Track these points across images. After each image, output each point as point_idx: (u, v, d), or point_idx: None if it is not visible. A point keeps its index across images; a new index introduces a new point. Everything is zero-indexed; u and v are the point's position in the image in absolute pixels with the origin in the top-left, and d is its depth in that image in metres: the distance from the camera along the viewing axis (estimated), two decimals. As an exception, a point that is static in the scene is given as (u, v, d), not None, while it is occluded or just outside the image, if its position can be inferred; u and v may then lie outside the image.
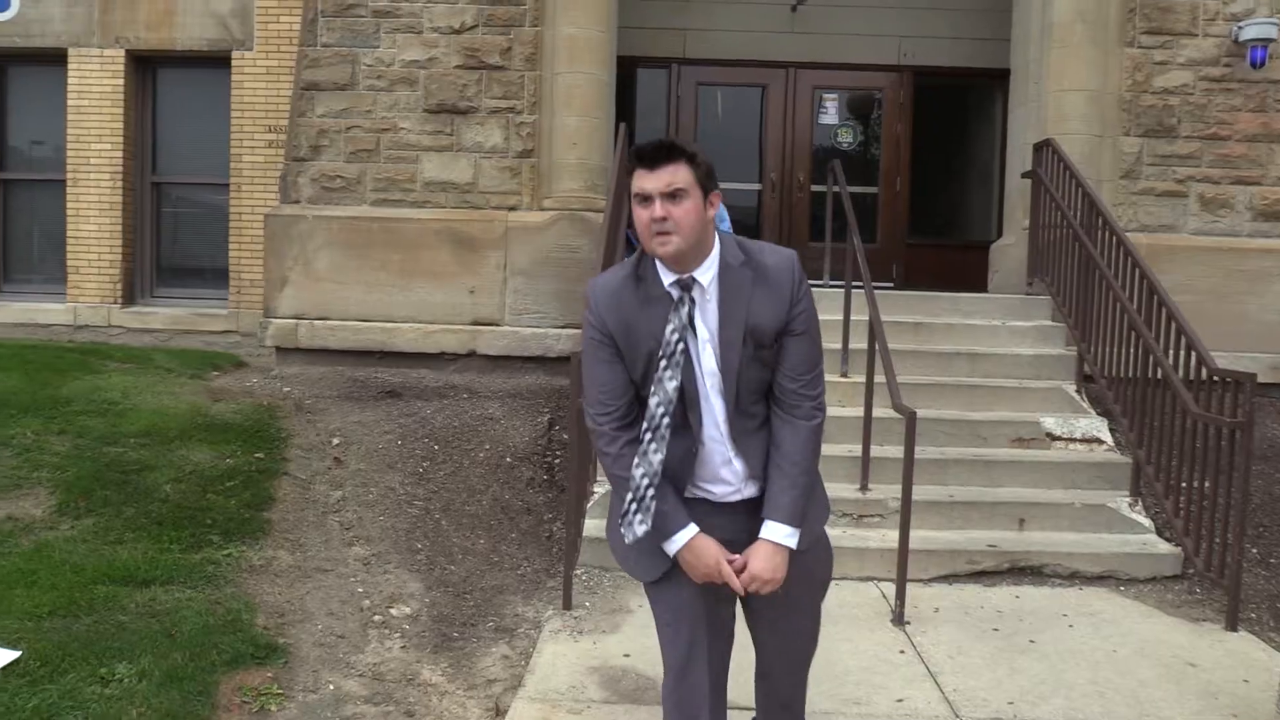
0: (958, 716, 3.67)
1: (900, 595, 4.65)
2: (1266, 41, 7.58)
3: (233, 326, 9.72)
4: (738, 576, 2.35)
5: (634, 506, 2.29)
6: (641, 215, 2.27)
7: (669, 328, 2.28)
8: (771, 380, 2.37)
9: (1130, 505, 5.65)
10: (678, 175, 2.24)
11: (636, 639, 4.30)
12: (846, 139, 10.58)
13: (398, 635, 4.38)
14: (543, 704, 3.68)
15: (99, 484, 5.27)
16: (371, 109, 7.84)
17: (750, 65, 10.25)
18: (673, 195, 2.23)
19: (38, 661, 3.67)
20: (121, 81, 9.73)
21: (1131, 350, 5.89)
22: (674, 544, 2.35)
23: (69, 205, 9.81)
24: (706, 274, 2.32)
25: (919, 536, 5.16)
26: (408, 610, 4.60)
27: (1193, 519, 5.23)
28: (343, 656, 4.13)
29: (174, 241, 10.30)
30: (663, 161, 2.24)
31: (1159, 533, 5.51)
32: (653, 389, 2.28)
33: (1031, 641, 4.41)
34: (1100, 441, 6.14)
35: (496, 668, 4.14)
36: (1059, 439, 6.16)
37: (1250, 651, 4.39)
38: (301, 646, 4.13)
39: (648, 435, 2.28)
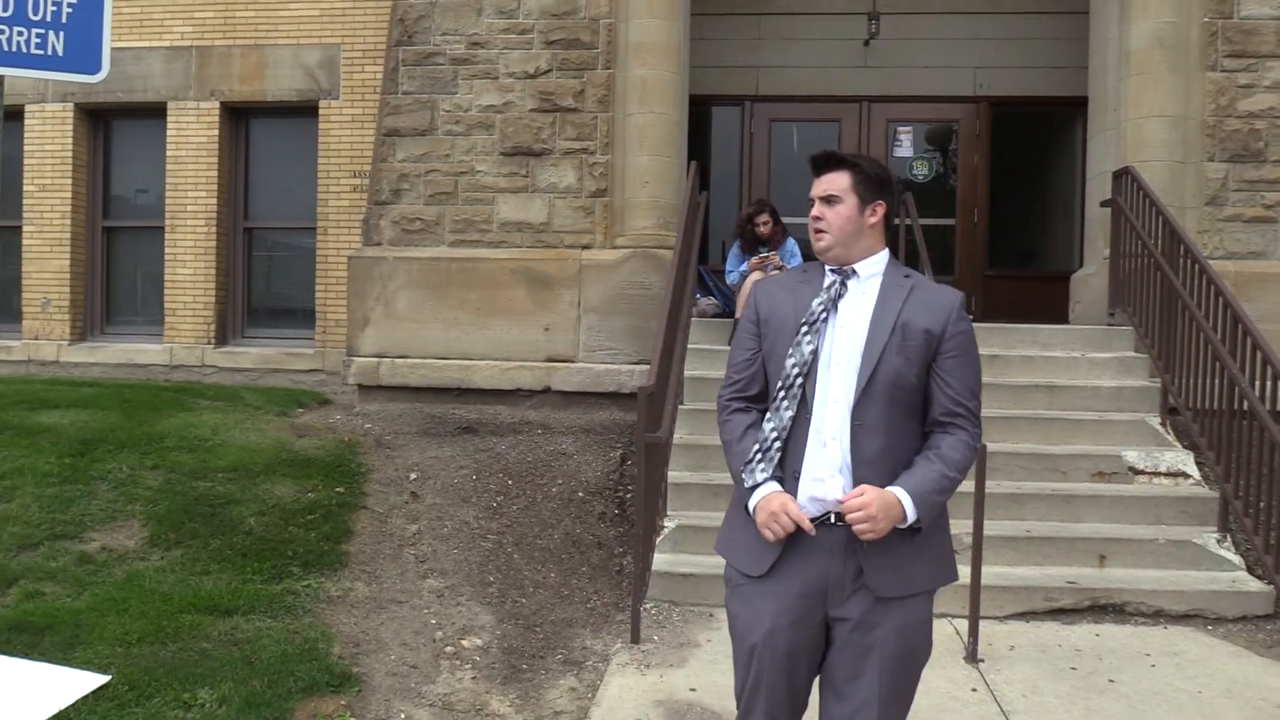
0: (1029, 756, 3.59)
1: (974, 632, 4.56)
2: (1357, 62, 7.34)
3: (318, 365, 10.02)
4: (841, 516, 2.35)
5: (759, 455, 2.41)
6: (811, 213, 2.54)
7: (815, 300, 2.45)
8: (912, 385, 2.39)
9: (1218, 541, 5.46)
10: (835, 182, 2.48)
11: (703, 674, 4.31)
12: (923, 171, 10.51)
13: (468, 666, 4.46)
14: (607, 736, 3.71)
15: (188, 517, 5.49)
16: (449, 153, 8.08)
17: (823, 100, 10.28)
18: (827, 199, 2.48)
19: (126, 686, 3.84)
20: (216, 132, 10.18)
21: (1217, 381, 5.73)
22: (755, 496, 2.41)
23: (167, 250, 10.27)
24: (868, 269, 2.50)
25: (994, 572, 5.07)
26: (479, 642, 4.68)
27: (1284, 555, 5.03)
28: (414, 686, 4.21)
29: (264, 283, 10.69)
30: (824, 169, 2.51)
31: (1249, 570, 5.31)
32: (790, 351, 2.41)
33: (1111, 681, 4.29)
34: (1186, 475, 5.96)
35: (563, 700, 4.18)
36: (1142, 473, 5.99)
37: (1347, 695, 4.20)
38: (375, 676, 4.23)
39: (781, 393, 2.40)
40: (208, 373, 10.15)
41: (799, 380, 2.38)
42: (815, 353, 2.39)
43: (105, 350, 10.33)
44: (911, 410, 2.42)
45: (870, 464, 2.35)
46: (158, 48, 10.27)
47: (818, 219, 2.49)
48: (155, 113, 10.33)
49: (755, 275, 7.23)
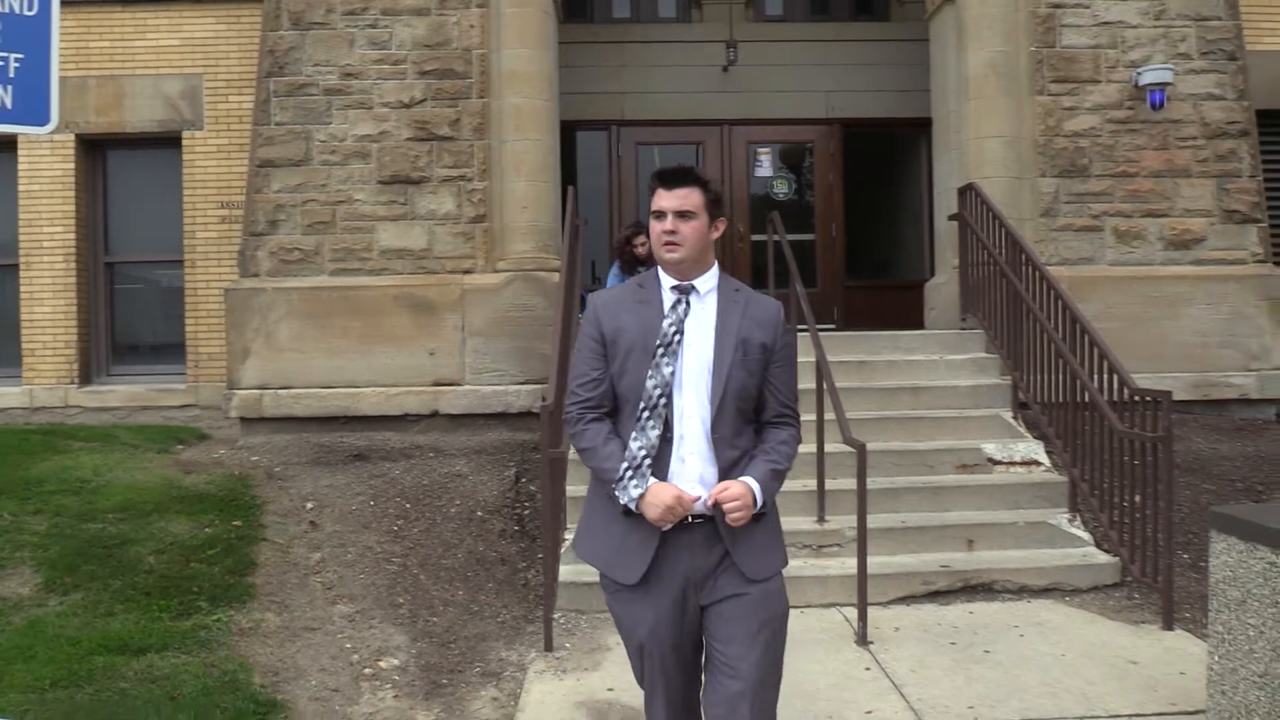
0: (923, 722, 3.96)
1: (862, 617, 4.94)
2: (1163, 85, 8.20)
3: (192, 400, 9.80)
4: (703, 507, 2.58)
5: (630, 473, 2.55)
6: (655, 227, 2.65)
7: (666, 322, 2.61)
8: (752, 395, 2.64)
9: (1069, 521, 6.03)
10: (690, 198, 2.63)
11: (618, 675, 4.54)
12: (782, 189, 11.06)
13: (389, 686, 4.56)
14: (537, 738, 3.90)
15: (82, 559, 5.39)
16: (326, 183, 8.11)
17: (686, 124, 10.72)
18: (683, 214, 2.63)
19: (46, 731, 3.81)
20: (73, 165, 9.87)
21: (1060, 376, 6.32)
22: (634, 493, 2.55)
23: (23, 288, 9.87)
24: (705, 284, 2.69)
25: (876, 562, 5.47)
26: (396, 662, 4.79)
27: (1126, 530, 5.62)
28: (339, 709, 4.30)
29: (129, 319, 10.38)
30: (679, 184, 2.64)
31: (1097, 545, 5.89)
32: (650, 373, 2.56)
33: (986, 651, 4.73)
34: (1038, 463, 6.54)
35: (487, 710, 4.35)
36: (1000, 463, 6.54)
37: (1186, 647, 4.74)
38: (299, 702, 4.30)
39: (645, 413, 2.56)
40: (73, 413, 9.79)
41: (662, 401, 2.56)
42: (674, 374, 2.57)
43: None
44: (749, 415, 2.68)
45: (725, 473, 2.60)
46: (4, 79, 9.89)
47: (672, 233, 2.62)
48: (4, 145, 9.94)
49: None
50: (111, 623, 4.80)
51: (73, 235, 9.89)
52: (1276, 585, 3.27)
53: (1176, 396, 7.74)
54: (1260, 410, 8.34)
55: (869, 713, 4.06)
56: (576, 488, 6.12)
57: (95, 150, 10.10)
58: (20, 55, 2.39)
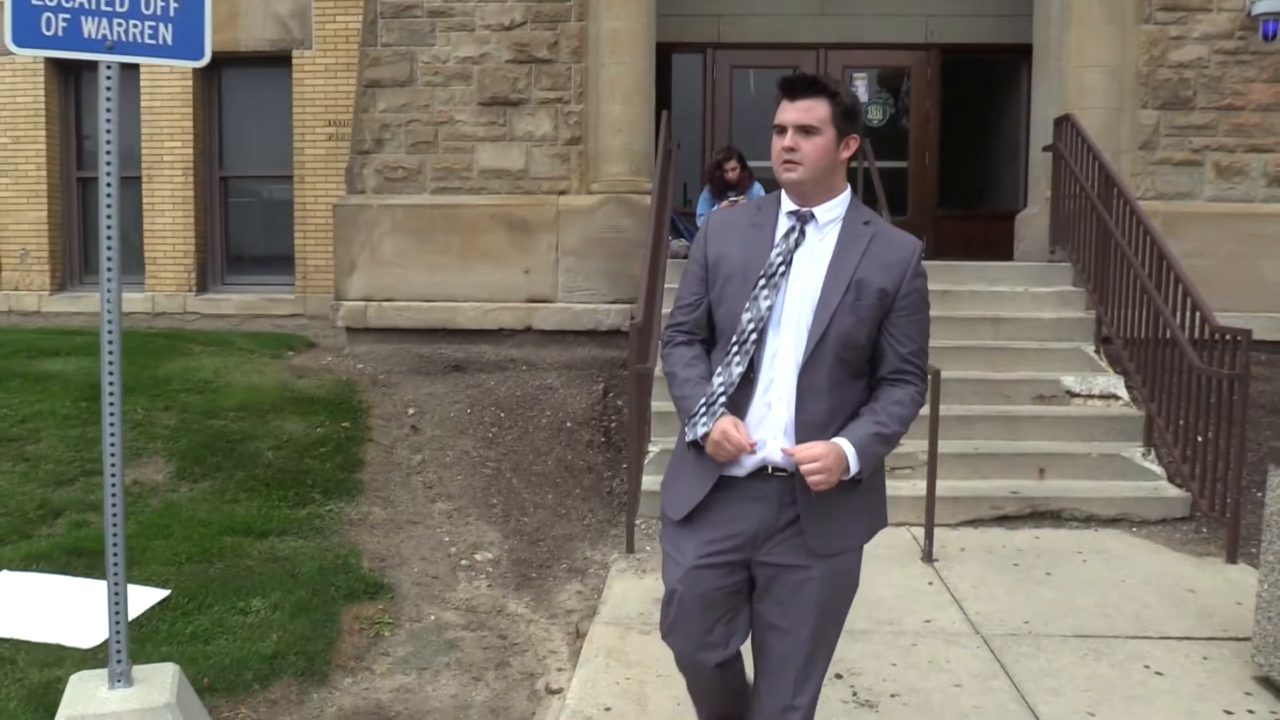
0: (978, 633, 4.21)
1: (929, 536, 5.17)
2: (1278, 15, 7.92)
3: (299, 310, 10.36)
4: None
5: (704, 409, 2.32)
6: (776, 144, 2.35)
7: (774, 251, 2.34)
8: (861, 344, 2.36)
9: (1143, 455, 6.13)
10: (814, 110, 2.29)
11: (694, 576, 4.87)
12: (877, 115, 10.99)
13: (483, 576, 4.98)
14: (617, 627, 4.27)
15: (209, 452, 5.91)
16: (429, 103, 8.41)
17: (782, 48, 10.68)
18: (805, 129, 2.30)
19: (185, 598, 4.30)
20: (190, 82, 10.36)
21: (1144, 312, 6.35)
22: (700, 430, 2.33)
23: (145, 200, 10.48)
24: (828, 213, 2.38)
25: (946, 485, 5.67)
26: (490, 555, 5.20)
27: (1199, 465, 5.70)
28: (439, 593, 4.73)
29: (242, 231, 10.96)
30: (802, 94, 2.31)
31: (1169, 479, 5.99)
32: (747, 305, 2.31)
33: (1048, 574, 4.93)
34: (1117, 397, 6.61)
35: (572, 600, 4.73)
36: (1078, 396, 6.63)
37: (1246, 580, 4.87)
38: (403, 585, 4.74)
39: (734, 347, 2.32)
40: (190, 319, 10.45)
41: (753, 337, 2.30)
42: (771, 309, 2.31)
43: (86, 300, 10.56)
44: (858, 368, 2.39)
45: (814, 427, 2.32)
46: (128, -3, 10.37)
47: (791, 150, 2.31)
48: (127, 64, 10.44)
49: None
50: (236, 509, 5.31)
51: (190, 150, 10.44)
52: (1327, 518, 3.41)
53: (1268, 338, 7.73)
54: (1357, 353, 8.18)
55: (928, 621, 4.32)
56: (660, 403, 6.42)
57: (211, 69, 10.53)
58: (178, -1, 2.70)
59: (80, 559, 4.64)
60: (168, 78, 10.35)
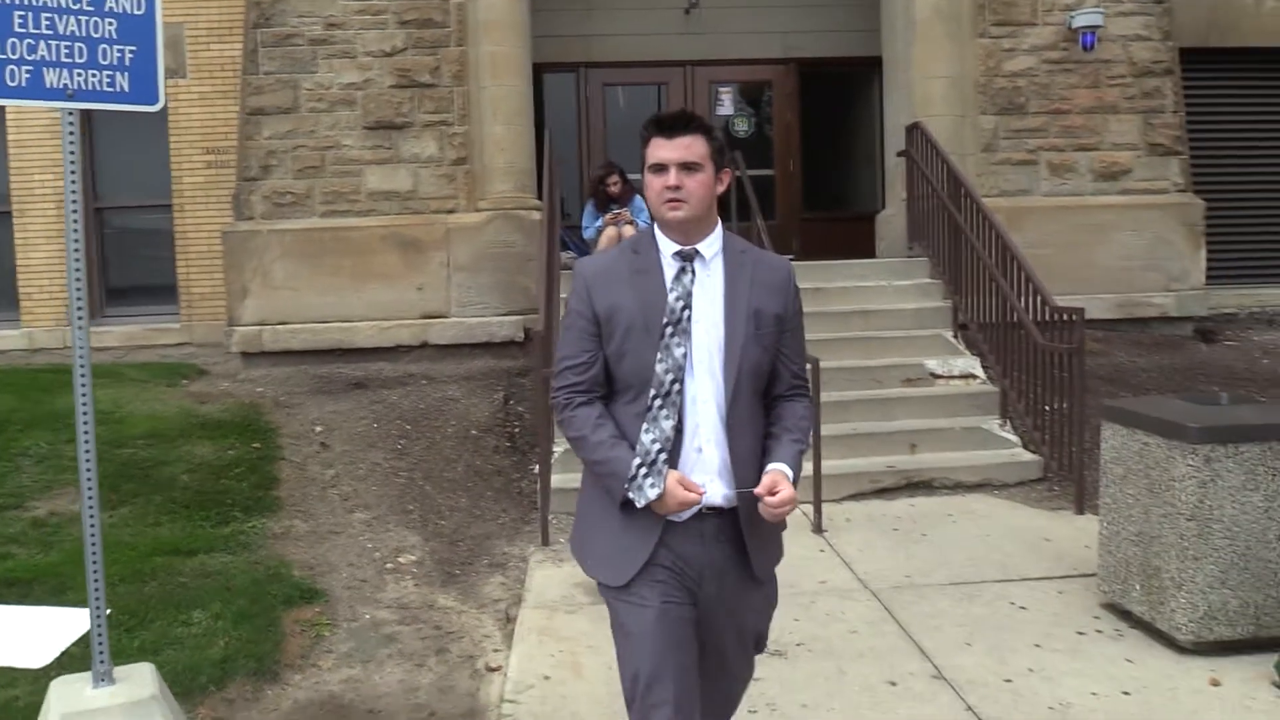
0: (867, 588, 4.73)
1: (818, 510, 5.70)
2: (1094, 28, 8.84)
3: (186, 339, 10.32)
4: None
5: (644, 470, 2.26)
6: (654, 182, 2.30)
7: (673, 296, 2.30)
8: (766, 371, 2.38)
9: (1000, 426, 6.82)
10: (694, 148, 2.28)
11: (608, 561, 5.26)
12: (743, 127, 11.62)
13: (409, 577, 5.25)
14: (544, 610, 4.63)
15: (123, 479, 6.00)
16: (315, 129, 8.59)
17: (651, 65, 11.20)
18: (688, 166, 2.27)
19: (126, 615, 4.46)
20: (59, 114, 10.19)
21: (993, 298, 7.07)
22: (652, 494, 2.28)
23: (17, 235, 10.28)
24: (710, 248, 2.36)
25: (830, 465, 6.20)
26: (413, 558, 5.47)
27: (1048, 432, 6.40)
28: (370, 595, 4.99)
29: (120, 263, 10.82)
30: (681, 131, 2.28)
31: (1024, 446, 6.68)
32: (660, 355, 2.27)
33: (924, 535, 5.51)
34: (975, 377, 7.30)
35: (498, 591, 5.06)
36: (940, 377, 7.30)
37: (1092, 527, 5.49)
38: (334, 590, 4.98)
39: (658, 401, 2.28)
40: (71, 354, 10.27)
41: (675, 387, 2.27)
42: (685, 355, 2.28)
43: (-42, 338, 10.28)
44: (761, 392, 2.41)
45: (743, 461, 2.34)
46: (-12, 30, 10.18)
47: (676, 188, 2.27)
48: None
49: (609, 231, 8.10)
50: (160, 531, 5.44)
51: (63, 183, 10.26)
52: (1148, 461, 4.04)
53: (1103, 316, 8.61)
54: (1178, 327, 9.17)
55: (823, 582, 4.83)
56: (563, 407, 6.79)
57: (81, 98, 10.43)
58: (134, 47, 2.94)
59: (11, 589, 4.74)
60: (37, 110, 10.17)
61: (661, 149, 2.29)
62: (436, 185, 8.68)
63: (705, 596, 2.36)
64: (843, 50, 11.21)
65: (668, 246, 2.37)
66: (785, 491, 2.24)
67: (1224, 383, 7.68)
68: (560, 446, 6.45)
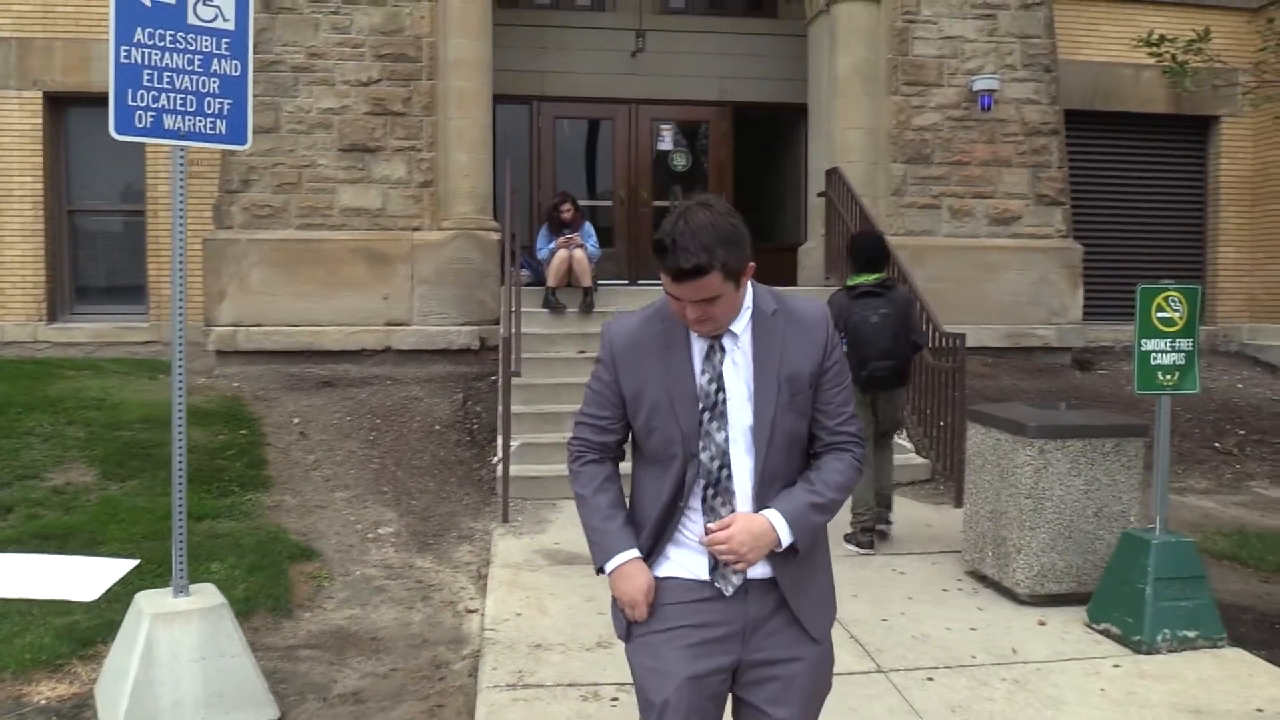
0: (778, 557, 5.73)
1: (740, 498, 6.67)
2: (991, 91, 10.09)
3: (154, 337, 10.94)
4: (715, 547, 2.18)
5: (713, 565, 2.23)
6: (674, 305, 2.20)
7: (705, 378, 2.24)
8: (803, 433, 2.29)
9: (897, 435, 7.89)
10: (708, 287, 2.12)
11: (560, 535, 6.18)
12: (680, 162, 12.68)
13: (389, 545, 6.10)
14: (510, 568, 5.53)
15: (127, 457, 6.75)
16: (294, 149, 9.39)
17: (599, 102, 12.21)
18: (706, 300, 2.14)
19: (154, 564, 5.25)
20: (40, 120, 10.82)
21: (895, 324, 8.16)
22: (612, 562, 2.29)
23: (-8, 233, 10.84)
24: (739, 323, 2.25)
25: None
26: (391, 530, 6.32)
27: (936, 440, 7.50)
28: (357, 557, 5.83)
29: (91, 263, 11.42)
30: (688, 279, 2.11)
31: (916, 452, 7.77)
32: (702, 444, 2.22)
33: (827, 520, 6.52)
34: (878, 392, 8.38)
35: (467, 556, 5.94)
36: (849, 391, 8.35)
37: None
38: (327, 552, 5.81)
39: (710, 491, 2.23)
40: (41, 348, 10.84)
41: (724, 473, 2.22)
42: (726, 439, 2.22)
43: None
44: (803, 447, 2.31)
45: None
46: (-26, 39, 10.76)
47: (702, 320, 2.17)
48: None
49: (561, 254, 9.04)
50: (168, 500, 6.19)
51: (40, 185, 10.87)
52: (1000, 453, 5.11)
53: (993, 344, 9.80)
54: (1059, 356, 10.42)
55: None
56: (520, 406, 7.70)
57: (61, 107, 11.06)
58: (230, 100, 3.80)
59: (49, 542, 5.49)
60: (17, 115, 10.77)
61: (673, 288, 2.15)
62: (404, 204, 9.54)
63: (749, 656, 2.27)
64: (774, 97, 12.34)
65: None
66: (720, 534, 2.15)
67: (1091, 404, 8.90)
68: (517, 440, 7.36)
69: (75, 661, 4.28)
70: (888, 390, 6.04)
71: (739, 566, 2.16)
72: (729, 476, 2.21)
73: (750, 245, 2.18)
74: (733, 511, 2.21)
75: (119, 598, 4.82)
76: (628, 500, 2.38)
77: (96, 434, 7.11)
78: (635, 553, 2.29)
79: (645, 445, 2.32)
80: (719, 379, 2.23)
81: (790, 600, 2.25)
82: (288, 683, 4.21)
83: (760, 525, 2.15)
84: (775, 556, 2.20)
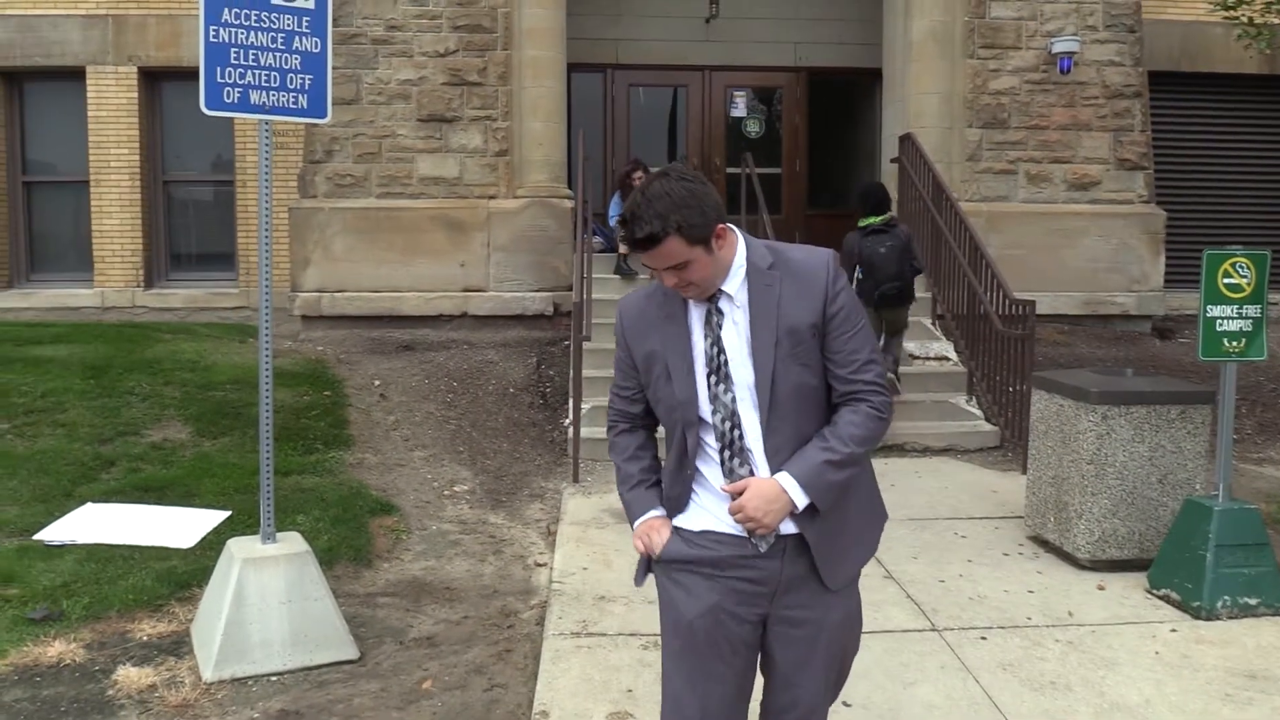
0: (840, 519, 5.82)
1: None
2: (1071, 53, 9.88)
3: (243, 303, 11.42)
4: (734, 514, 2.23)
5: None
6: (655, 273, 2.26)
7: (707, 342, 2.27)
8: (815, 385, 2.28)
9: (966, 401, 7.91)
10: (671, 252, 2.15)
11: (629, 495, 6.35)
12: (754, 128, 12.67)
13: (464, 502, 6.36)
14: (578, 525, 5.73)
15: (219, 416, 7.11)
16: (374, 119, 9.66)
17: (673, 69, 12.25)
18: (675, 267, 2.17)
19: (244, 515, 5.57)
20: (135, 94, 11.29)
21: (965, 292, 8.13)
22: (638, 524, 2.40)
23: (93, 203, 11.37)
24: (733, 283, 2.26)
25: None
26: (466, 487, 6.58)
27: (1005, 406, 7.49)
28: (433, 513, 6.09)
29: (185, 231, 11.92)
30: (647, 246, 2.15)
31: (985, 419, 7.76)
32: (712, 408, 2.26)
33: (892, 485, 6.58)
34: (948, 359, 8.38)
35: (538, 514, 6.16)
36: (918, 358, 8.37)
37: (1033, 484, 6.64)
38: (405, 507, 6.09)
39: (726, 453, 2.27)
40: (139, 313, 11.38)
41: (737, 435, 2.25)
42: (734, 399, 2.25)
43: (36, 296, 11.39)
44: (820, 401, 2.30)
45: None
46: (74, 15, 11.24)
47: (682, 286, 2.22)
48: (73, 76, 11.31)
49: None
50: (256, 456, 6.53)
51: (136, 157, 11.37)
52: (1063, 419, 5.13)
53: (1070, 312, 9.69)
54: (1138, 325, 10.24)
55: (805, 514, 5.92)
56: (591, 370, 7.87)
57: (154, 81, 11.52)
58: (311, 76, 4.01)
59: (148, 494, 5.85)
60: (113, 89, 11.26)
61: (643, 258, 2.21)
62: (480, 173, 9.75)
63: (778, 610, 2.33)
64: (848, 62, 12.24)
65: None
66: (738, 502, 2.19)
67: (1168, 373, 8.75)
68: (588, 404, 7.55)
69: (173, 603, 4.60)
70: (895, 307, 7.45)
71: (759, 531, 2.20)
72: (741, 436, 2.25)
73: (716, 206, 2.18)
74: (751, 472, 2.25)
75: (212, 546, 5.13)
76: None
77: (190, 394, 7.49)
78: (659, 511, 2.39)
79: (656, 413, 2.42)
80: (719, 341, 2.26)
81: (818, 558, 2.27)
82: (367, 626, 4.47)
83: (772, 489, 2.18)
84: (800, 515, 2.22)
